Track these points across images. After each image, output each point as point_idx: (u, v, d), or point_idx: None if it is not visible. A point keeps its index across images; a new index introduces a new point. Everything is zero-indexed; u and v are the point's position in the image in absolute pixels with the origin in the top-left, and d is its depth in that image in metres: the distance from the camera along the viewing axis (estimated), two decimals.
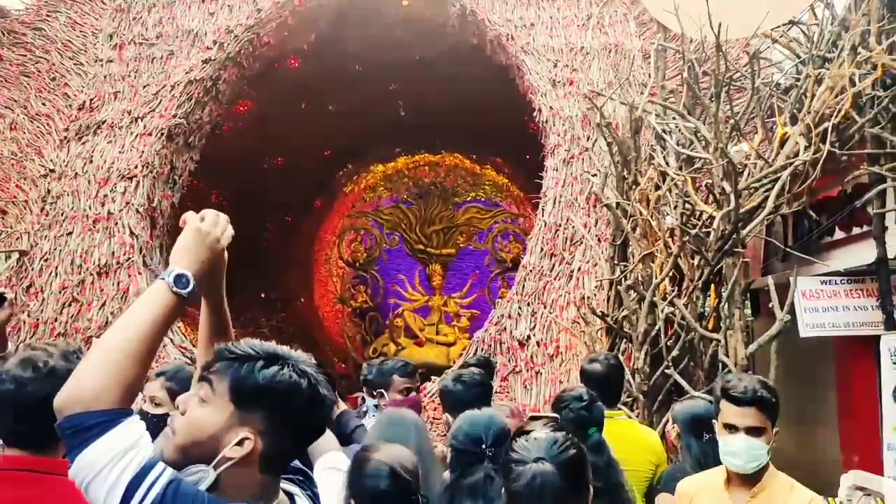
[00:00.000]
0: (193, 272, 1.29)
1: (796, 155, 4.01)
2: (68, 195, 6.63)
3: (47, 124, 7.01)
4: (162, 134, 6.85)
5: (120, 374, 1.12)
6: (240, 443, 1.18)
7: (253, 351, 1.23)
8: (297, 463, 1.36)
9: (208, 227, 1.35)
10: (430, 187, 12.35)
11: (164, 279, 1.26)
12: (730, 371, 3.68)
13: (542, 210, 6.26)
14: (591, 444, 2.24)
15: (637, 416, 4.28)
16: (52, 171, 6.78)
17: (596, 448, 2.26)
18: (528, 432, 1.65)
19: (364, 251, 12.49)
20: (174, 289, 1.25)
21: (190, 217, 1.36)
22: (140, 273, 6.34)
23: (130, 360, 1.14)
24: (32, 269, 6.34)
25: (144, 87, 7.14)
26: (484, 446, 1.93)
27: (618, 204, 5.10)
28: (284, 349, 1.28)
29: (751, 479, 2.15)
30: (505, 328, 5.85)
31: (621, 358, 4.08)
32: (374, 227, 12.55)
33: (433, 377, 5.65)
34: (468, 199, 12.30)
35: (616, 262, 5.23)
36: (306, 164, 10.65)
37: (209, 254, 1.33)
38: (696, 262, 4.39)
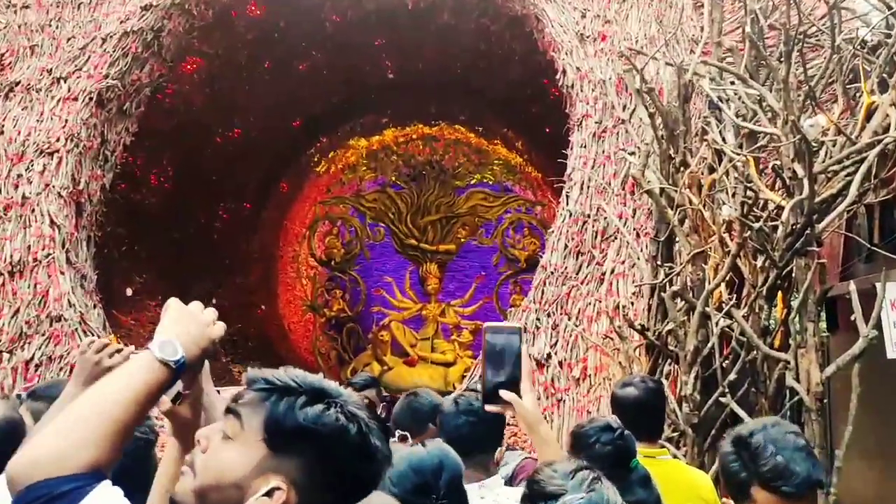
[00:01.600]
0: (182, 343, 1.35)
1: (886, 130, 4.00)
2: None
3: None
4: (90, 98, 6.86)
5: (89, 436, 1.15)
6: (269, 493, 1.19)
7: (294, 383, 1.24)
8: None
9: (197, 309, 1.43)
10: (425, 167, 12.39)
11: (147, 349, 1.31)
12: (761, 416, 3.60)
13: (567, 197, 6.28)
14: (638, 479, 2.25)
15: (684, 455, 4.29)
16: None
17: (643, 482, 2.26)
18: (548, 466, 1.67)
19: (341, 247, 12.53)
20: (158, 355, 1.29)
21: (173, 300, 1.43)
22: (62, 272, 6.33)
23: (103, 422, 1.17)
24: None
25: (69, 39, 7.16)
26: (434, 497, 1.91)
27: (662, 190, 5.13)
28: (332, 385, 1.28)
29: None
30: None
31: (664, 382, 4.05)
32: (354, 217, 12.59)
33: None
34: (472, 182, 12.37)
35: (659, 262, 5.26)
36: (269, 137, 10.70)
37: (200, 333, 1.39)
38: (759, 263, 4.39)
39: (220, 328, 1.44)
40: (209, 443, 1.26)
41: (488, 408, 1.85)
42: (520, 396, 1.85)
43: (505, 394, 1.83)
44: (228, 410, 1.26)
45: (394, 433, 3.01)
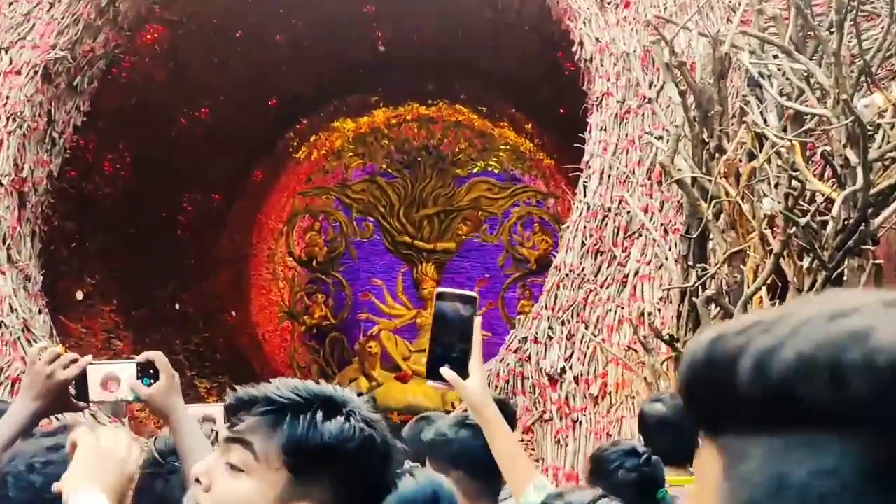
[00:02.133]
0: (104, 492, 1.37)
1: None
2: None
3: None
4: (35, 72, 6.85)
5: None
6: None
7: (301, 397, 1.26)
8: None
9: (109, 441, 1.44)
10: (421, 153, 12.35)
11: None
12: None
13: (584, 187, 6.28)
14: None
15: None
16: None
17: None
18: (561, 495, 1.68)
19: (324, 245, 12.49)
20: None
21: (81, 434, 1.44)
22: (3, 273, 6.33)
23: None
24: None
25: (10, 4, 7.13)
26: None
27: (694, 180, 5.12)
28: (338, 390, 1.32)
29: None
30: (528, 357, 5.88)
31: None
32: (339, 211, 12.55)
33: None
34: (475, 170, 12.34)
35: (690, 263, 5.26)
36: (241, 118, 10.66)
37: (119, 475, 1.42)
38: (805, 264, 4.38)
39: (136, 459, 1.45)
40: (212, 480, 1.26)
41: (430, 383, 1.94)
42: (467, 374, 1.89)
43: (447, 372, 1.88)
44: (232, 440, 1.27)
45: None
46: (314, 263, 12.56)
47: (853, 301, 0.46)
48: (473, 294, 1.99)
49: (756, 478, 0.45)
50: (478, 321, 1.91)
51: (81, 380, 1.99)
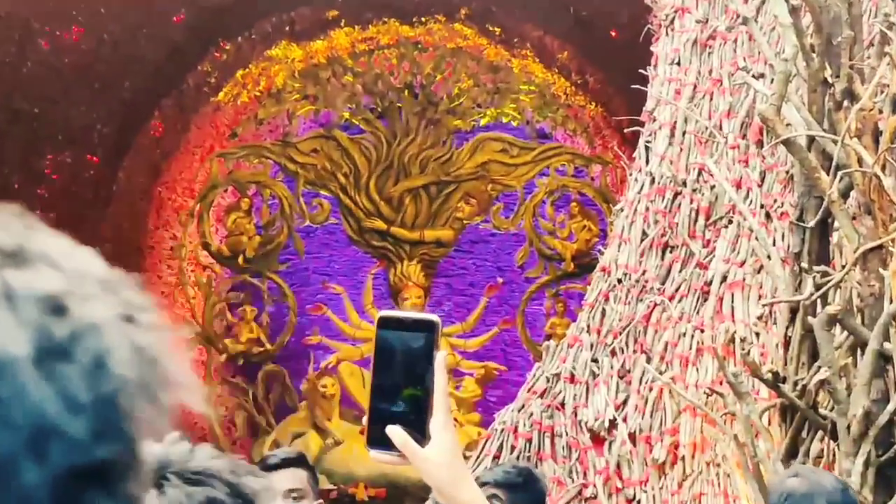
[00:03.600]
0: None
1: None
2: None
3: None
4: None
5: None
6: None
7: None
8: None
9: None
10: (402, 96, 12.36)
11: None
12: None
13: (646, 150, 6.33)
14: None
15: None
16: None
17: None
18: None
19: (255, 233, 12.42)
20: None
21: None
22: None
23: None
24: None
25: None
26: None
27: (811, 141, 5.07)
28: (252, 482, 1.43)
29: None
30: (562, 404, 5.93)
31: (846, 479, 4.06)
32: (279, 182, 12.49)
33: None
34: (483, 122, 12.29)
35: (804, 265, 5.19)
36: (131, 42, 10.53)
37: None
38: None
39: None
40: None
41: (373, 455, 1.87)
42: (427, 436, 1.83)
43: (396, 434, 1.82)
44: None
45: None
46: (240, 260, 12.48)
47: None
48: (432, 318, 1.94)
49: None
50: (441, 357, 1.87)
51: None
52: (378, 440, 1.83)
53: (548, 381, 6.07)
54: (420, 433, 1.83)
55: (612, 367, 5.99)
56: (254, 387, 12.36)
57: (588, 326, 6.15)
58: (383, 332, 1.91)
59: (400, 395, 1.88)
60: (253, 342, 12.42)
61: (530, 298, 12.27)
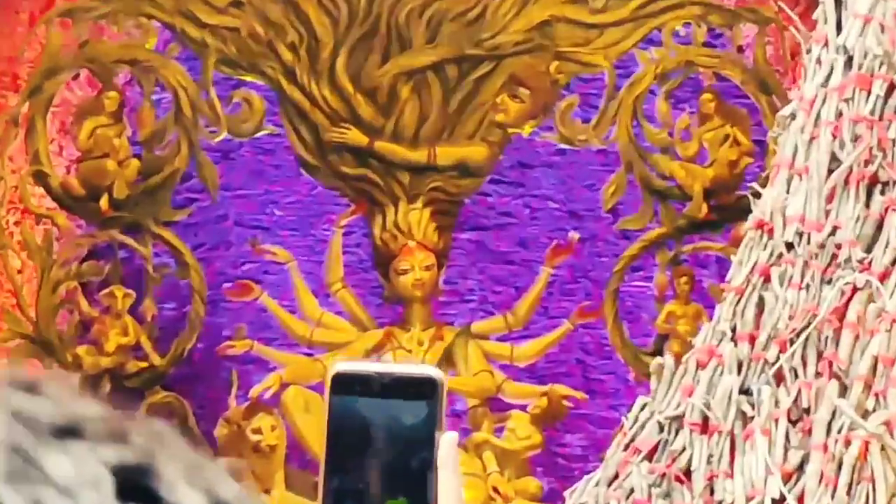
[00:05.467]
0: None
1: None
2: None
3: None
4: None
5: None
6: None
7: None
8: None
9: None
10: None
11: None
12: None
13: (836, 4, 5.95)
14: None
15: None
16: None
17: None
18: None
19: (128, 152, 9.76)
20: None
21: None
22: None
23: None
24: None
25: None
26: None
27: None
28: None
29: None
30: (687, 471, 5.75)
31: None
32: (170, 59, 9.85)
33: None
34: None
35: None
36: None
37: None
38: None
39: None
40: None
41: None
42: None
43: None
44: None
45: None
46: (104, 204, 9.63)
47: None
48: (431, 374, 1.50)
49: None
50: (448, 442, 1.49)
51: None
52: None
53: (661, 428, 5.31)
54: None
55: (776, 405, 4.79)
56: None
57: (733, 329, 4.92)
58: (342, 399, 1.51)
59: (373, 492, 1.51)
60: (127, 352, 9.25)
61: (628, 268, 9.00)
